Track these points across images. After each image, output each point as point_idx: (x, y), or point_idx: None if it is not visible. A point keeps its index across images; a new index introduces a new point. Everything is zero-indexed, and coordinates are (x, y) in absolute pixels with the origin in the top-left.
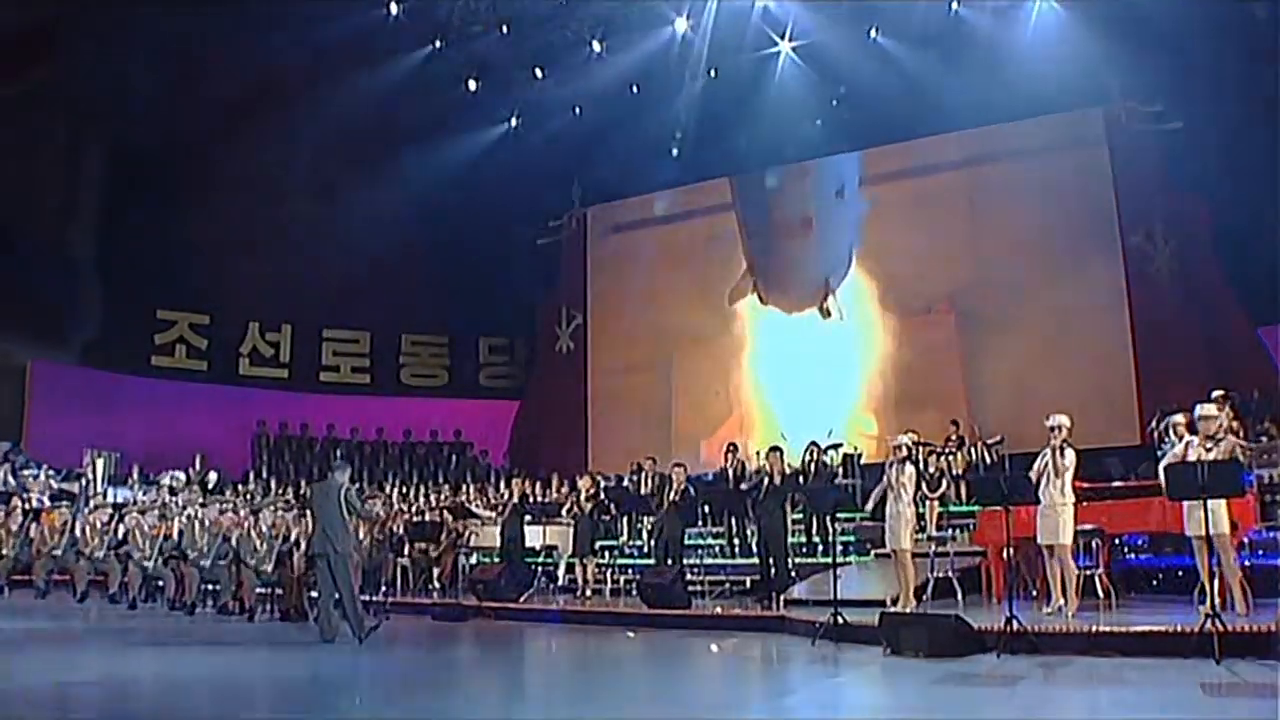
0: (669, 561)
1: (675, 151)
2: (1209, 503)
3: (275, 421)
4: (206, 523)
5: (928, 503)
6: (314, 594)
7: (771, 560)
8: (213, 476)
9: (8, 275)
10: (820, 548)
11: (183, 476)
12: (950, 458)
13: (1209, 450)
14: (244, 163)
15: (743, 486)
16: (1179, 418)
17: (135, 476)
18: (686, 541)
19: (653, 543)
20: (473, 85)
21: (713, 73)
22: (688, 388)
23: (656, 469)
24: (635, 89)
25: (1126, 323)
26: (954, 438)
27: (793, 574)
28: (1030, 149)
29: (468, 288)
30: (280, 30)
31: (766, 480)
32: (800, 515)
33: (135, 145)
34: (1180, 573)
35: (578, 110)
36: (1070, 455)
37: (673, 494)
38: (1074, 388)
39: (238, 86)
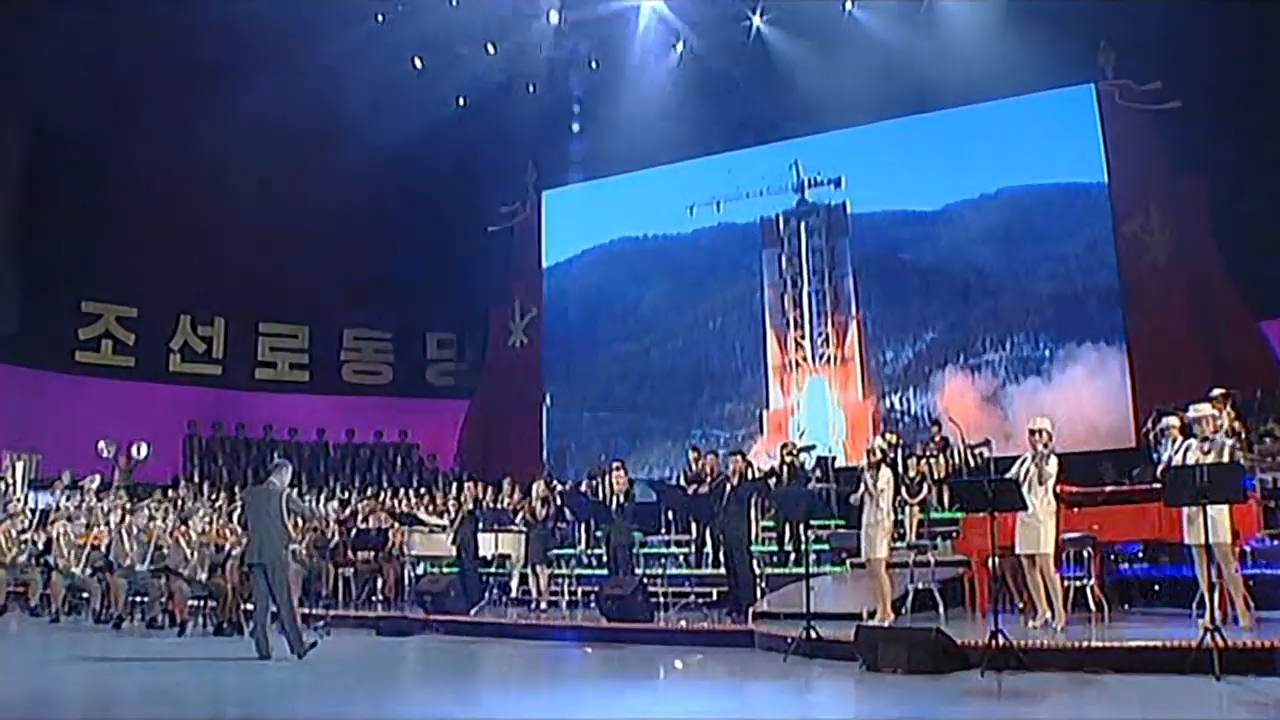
0: (619, 571)
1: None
2: (1209, 509)
3: (208, 422)
4: (134, 530)
5: (908, 509)
6: (250, 606)
7: (735, 570)
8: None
9: None
10: (792, 557)
11: (98, 479)
12: (932, 461)
13: (1206, 453)
14: (174, 145)
15: (701, 490)
16: (1173, 420)
17: (65, 481)
18: (648, 550)
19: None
20: (419, 62)
21: (678, 48)
22: (650, 315)
23: (615, 470)
24: (595, 64)
25: (1119, 316)
26: (937, 439)
27: (761, 585)
28: (1016, 129)
29: (414, 279)
30: (212, 6)
31: (727, 484)
32: (771, 522)
33: (57, 126)
34: (1178, 584)
35: (532, 88)
36: (1053, 463)
37: (615, 498)
38: (1064, 386)
39: (167, 64)
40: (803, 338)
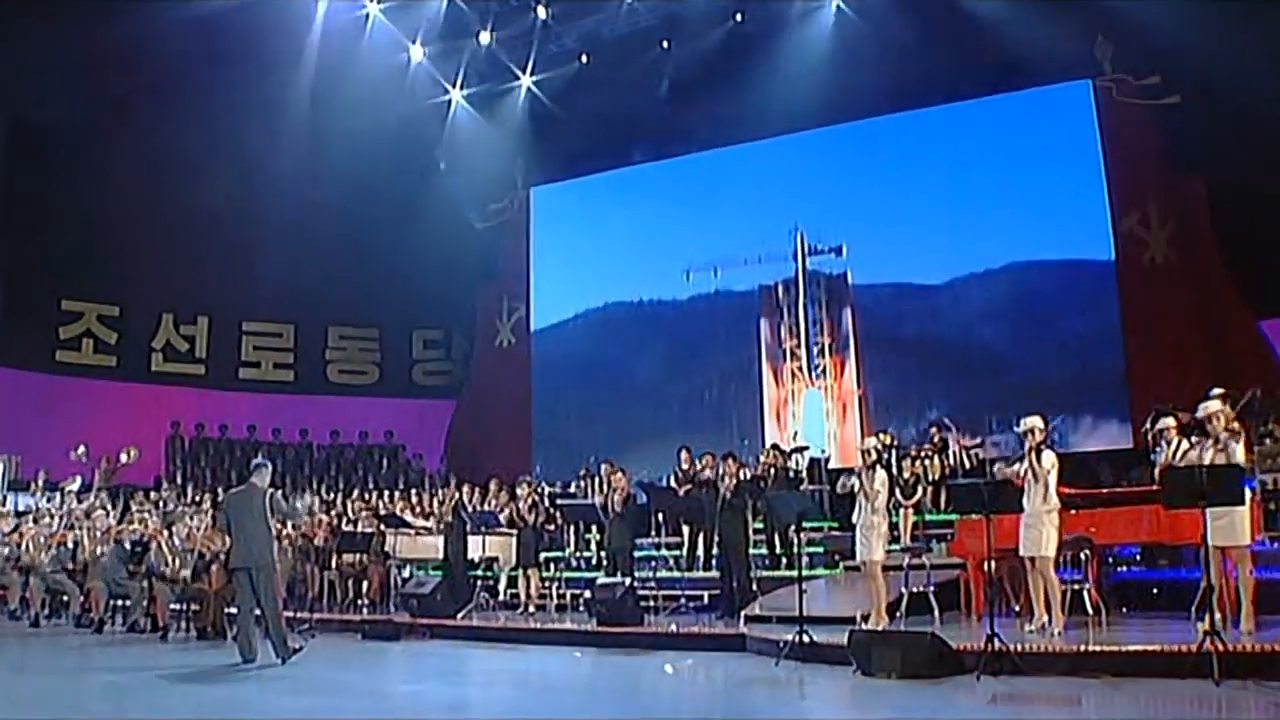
0: (618, 574)
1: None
2: (1232, 511)
3: (191, 422)
4: (98, 532)
5: (902, 511)
6: (233, 610)
7: (733, 573)
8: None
9: None
10: (784, 560)
11: (78, 480)
12: (926, 462)
13: (1220, 450)
14: (157, 141)
15: (694, 491)
16: (1170, 420)
17: (40, 482)
18: (639, 553)
19: (601, 554)
20: (409, 55)
21: (665, 44)
22: (643, 385)
23: (613, 472)
24: (585, 59)
25: (1117, 315)
26: (937, 439)
27: (754, 588)
28: (1011, 126)
29: (400, 276)
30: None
31: (722, 486)
32: (762, 525)
33: (37, 122)
34: (1176, 587)
35: (523, 81)
36: (1049, 457)
37: (617, 501)
38: (1060, 386)
39: (149, 59)
40: (802, 412)
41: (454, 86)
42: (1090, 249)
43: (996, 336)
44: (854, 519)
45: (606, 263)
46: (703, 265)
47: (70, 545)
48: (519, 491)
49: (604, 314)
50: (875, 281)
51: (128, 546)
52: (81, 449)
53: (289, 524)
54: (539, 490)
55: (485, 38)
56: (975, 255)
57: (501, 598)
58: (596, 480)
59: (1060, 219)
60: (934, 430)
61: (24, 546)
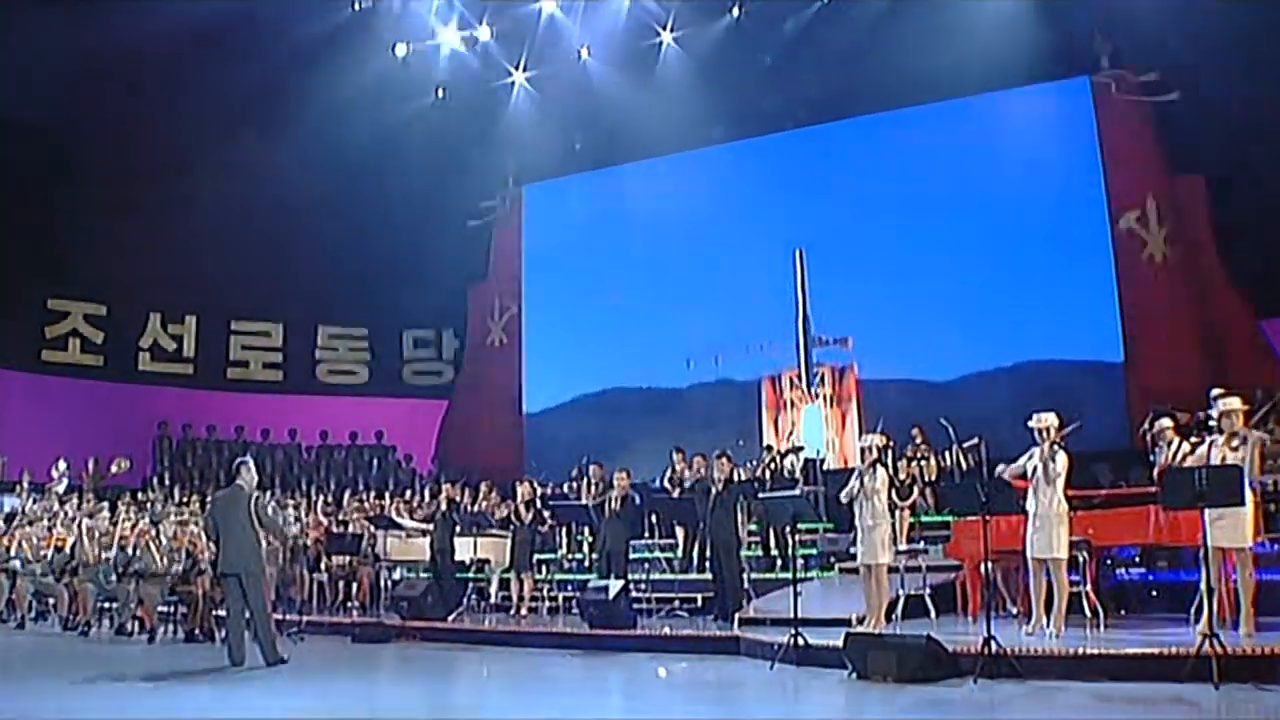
0: (612, 576)
1: None
2: (1235, 511)
3: (178, 423)
4: (96, 534)
5: (898, 512)
6: (221, 612)
7: (723, 575)
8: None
9: None
10: (779, 562)
11: (65, 482)
12: (922, 463)
13: (1235, 449)
14: (143, 137)
15: (686, 493)
16: (1167, 421)
17: (25, 484)
18: (632, 555)
19: (594, 556)
20: (398, 49)
21: (666, 38)
22: (637, 386)
23: (602, 474)
24: (579, 53)
25: (1116, 315)
26: (920, 443)
27: (747, 590)
28: (1008, 123)
29: (390, 275)
30: None
31: (712, 487)
32: (756, 526)
33: (20, 119)
34: (1175, 589)
35: (514, 77)
36: (1062, 459)
37: (615, 502)
38: (1058, 385)
39: (134, 56)
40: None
41: (444, 82)
42: (1102, 350)
43: (1007, 437)
44: (854, 520)
45: (604, 347)
46: (703, 352)
47: (67, 548)
48: (519, 490)
49: (600, 399)
50: (883, 377)
51: (128, 551)
52: (63, 464)
53: (272, 537)
54: (537, 491)
55: (483, 33)
56: (986, 353)
57: (493, 600)
58: (588, 481)
59: (1058, 219)
60: (916, 432)
61: (16, 548)
